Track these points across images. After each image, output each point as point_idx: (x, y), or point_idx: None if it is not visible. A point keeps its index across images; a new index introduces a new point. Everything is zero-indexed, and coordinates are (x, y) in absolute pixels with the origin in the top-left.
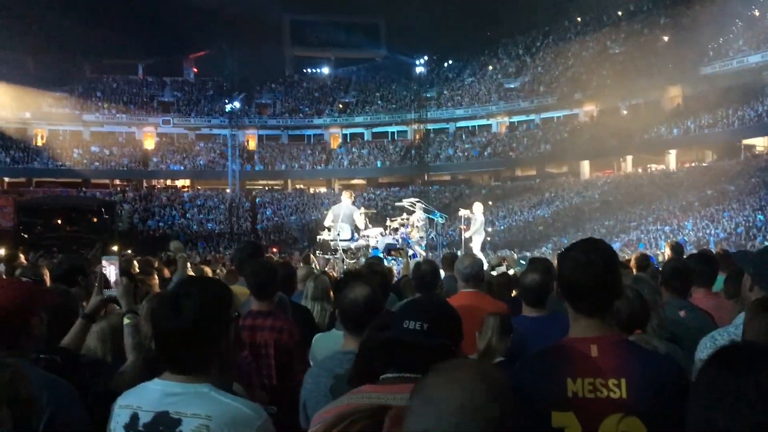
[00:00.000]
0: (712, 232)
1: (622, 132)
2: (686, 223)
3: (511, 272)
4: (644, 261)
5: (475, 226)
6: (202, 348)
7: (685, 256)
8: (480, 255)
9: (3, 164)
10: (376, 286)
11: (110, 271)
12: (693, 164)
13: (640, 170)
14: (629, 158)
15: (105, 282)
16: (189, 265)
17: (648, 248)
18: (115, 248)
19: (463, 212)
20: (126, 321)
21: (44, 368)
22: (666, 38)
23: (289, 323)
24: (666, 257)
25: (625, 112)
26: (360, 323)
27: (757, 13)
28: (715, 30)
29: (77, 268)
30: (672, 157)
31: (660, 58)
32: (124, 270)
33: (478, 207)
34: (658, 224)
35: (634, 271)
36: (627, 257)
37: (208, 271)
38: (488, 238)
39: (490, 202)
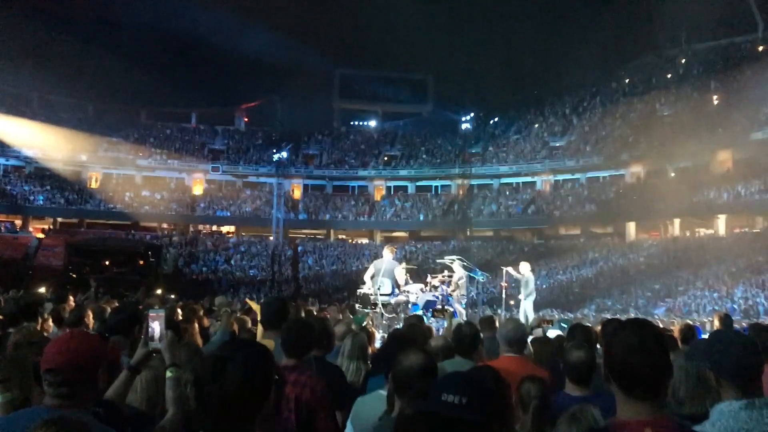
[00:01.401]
0: (762, 300)
1: (670, 194)
2: (735, 290)
3: (550, 333)
4: (689, 332)
5: (528, 286)
6: (245, 411)
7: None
8: (531, 315)
9: (57, 205)
10: (427, 351)
11: (155, 324)
12: (743, 230)
13: (687, 234)
14: (677, 221)
15: (150, 334)
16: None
17: (694, 314)
18: (159, 291)
19: (511, 271)
20: (168, 374)
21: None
22: (716, 102)
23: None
24: (714, 329)
25: (673, 174)
26: (412, 390)
27: None
28: (766, 95)
29: (134, 318)
30: (721, 221)
31: (710, 122)
32: (169, 319)
33: (525, 267)
34: (706, 290)
35: (679, 342)
36: (672, 324)
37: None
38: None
39: (526, 262)
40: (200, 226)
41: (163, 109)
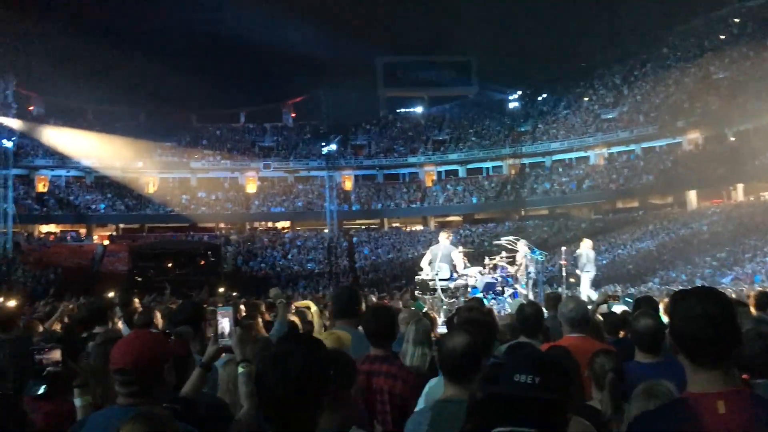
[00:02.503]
0: None
1: (731, 159)
2: None
3: (615, 309)
4: (764, 299)
5: (582, 262)
6: (305, 405)
7: None
8: (589, 292)
9: (118, 211)
10: (477, 333)
11: (225, 321)
12: None
13: (752, 199)
14: (740, 187)
15: (220, 331)
16: (293, 306)
17: (765, 281)
18: (221, 289)
19: (575, 250)
20: (240, 370)
21: None
22: None
23: (405, 371)
24: None
25: (733, 138)
26: (458, 372)
27: None
28: None
29: (198, 313)
30: None
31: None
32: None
33: (585, 243)
34: None
35: (753, 309)
36: (744, 292)
37: (310, 310)
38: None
39: (587, 239)
40: (256, 224)
41: (212, 111)
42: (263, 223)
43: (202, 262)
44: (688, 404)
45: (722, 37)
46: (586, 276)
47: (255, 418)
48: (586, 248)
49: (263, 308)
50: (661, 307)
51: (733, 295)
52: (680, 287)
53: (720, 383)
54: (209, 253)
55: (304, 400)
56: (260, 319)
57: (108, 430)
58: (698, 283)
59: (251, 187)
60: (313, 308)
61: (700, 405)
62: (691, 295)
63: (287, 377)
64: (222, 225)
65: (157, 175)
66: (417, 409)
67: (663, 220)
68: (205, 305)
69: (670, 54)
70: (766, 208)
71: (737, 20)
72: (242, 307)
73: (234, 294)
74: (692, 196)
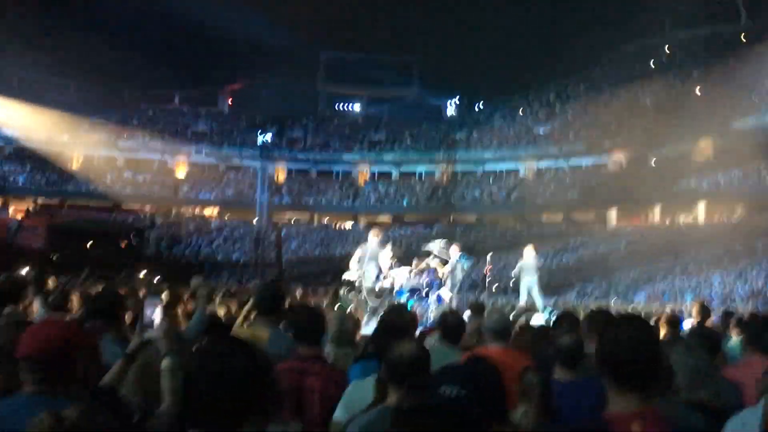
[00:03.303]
0: (740, 288)
1: (651, 182)
2: (713, 277)
3: (534, 320)
4: (675, 321)
5: (526, 269)
6: (237, 409)
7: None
8: (537, 299)
9: (37, 185)
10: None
11: (153, 311)
12: (722, 218)
13: (668, 221)
14: (657, 208)
15: (147, 321)
16: (216, 298)
17: (673, 301)
18: (142, 274)
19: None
20: (165, 362)
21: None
22: (698, 91)
23: (338, 372)
24: (693, 317)
25: (654, 161)
26: (405, 380)
27: None
28: (748, 84)
29: (118, 303)
30: (701, 209)
31: (691, 110)
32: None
33: (528, 251)
34: (685, 277)
35: (663, 331)
36: (655, 311)
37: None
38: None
39: (530, 246)
40: (183, 209)
41: (145, 90)
42: (190, 209)
43: (124, 244)
44: (606, 424)
45: (652, 63)
46: (534, 282)
47: (176, 414)
48: (529, 256)
49: (186, 297)
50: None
51: (642, 312)
52: (596, 301)
53: (637, 404)
54: (132, 235)
55: (235, 402)
56: (181, 308)
57: (12, 421)
58: (613, 298)
59: (181, 172)
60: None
61: (618, 425)
62: (621, 323)
63: (221, 377)
64: (147, 208)
65: (82, 151)
66: (337, 414)
67: (584, 235)
68: (125, 288)
69: (603, 76)
70: (680, 231)
71: (667, 49)
72: (163, 295)
73: (155, 279)
74: (613, 214)
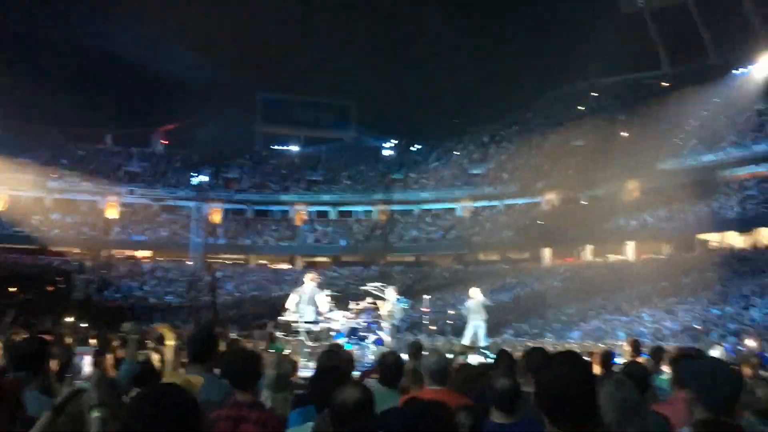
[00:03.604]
0: (669, 324)
1: (582, 221)
2: (643, 314)
3: (471, 360)
4: (608, 358)
5: (479, 310)
6: None
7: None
8: (481, 339)
9: None
10: (364, 386)
11: (83, 361)
12: (650, 256)
13: (599, 260)
14: (589, 247)
15: (77, 371)
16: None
17: (606, 338)
18: (69, 319)
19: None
20: (96, 414)
21: None
22: (625, 134)
23: (276, 418)
24: (626, 354)
25: (585, 202)
26: (347, 425)
27: (709, 115)
28: (671, 128)
29: (42, 352)
30: (630, 248)
31: (619, 153)
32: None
33: (475, 292)
34: (617, 314)
35: (597, 368)
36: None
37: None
38: (449, 322)
39: (476, 288)
40: (114, 251)
41: (75, 129)
42: (122, 251)
43: (51, 288)
44: None
45: (581, 108)
46: (481, 323)
47: None
48: (477, 296)
49: (115, 344)
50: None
51: (578, 350)
52: (532, 339)
53: None
54: (58, 278)
55: None
56: (112, 356)
57: None
58: (548, 336)
59: (112, 213)
60: (169, 342)
61: None
62: (558, 361)
63: (156, 425)
64: (76, 250)
65: (7, 192)
66: None
67: (519, 274)
68: (50, 335)
69: (535, 119)
70: (611, 269)
71: (595, 94)
72: (92, 341)
73: (84, 325)
74: (547, 253)
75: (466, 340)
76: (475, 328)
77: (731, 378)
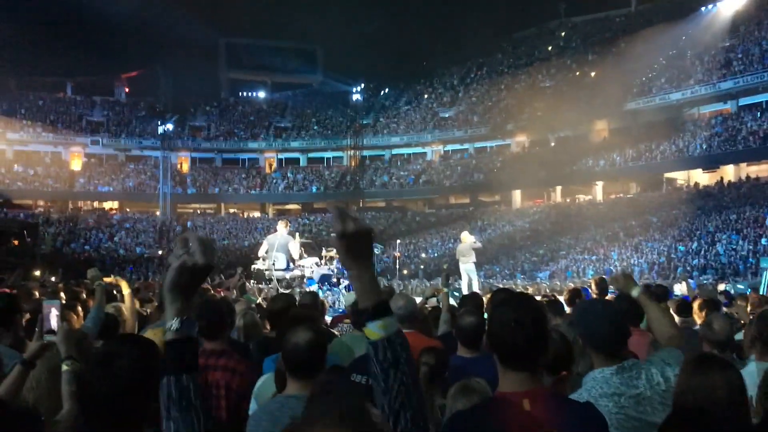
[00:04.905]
0: (637, 261)
1: (552, 163)
2: (612, 252)
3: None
4: (575, 296)
5: (460, 254)
6: (132, 410)
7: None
8: (474, 281)
9: None
10: (319, 326)
11: (51, 315)
12: (618, 196)
13: (568, 200)
14: (558, 189)
15: (46, 326)
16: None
17: (575, 277)
18: (37, 272)
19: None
20: (64, 367)
21: None
22: (593, 74)
23: (244, 365)
24: (592, 292)
25: (554, 144)
26: (302, 368)
27: (677, 53)
28: (640, 67)
29: (12, 307)
30: (599, 188)
31: (587, 93)
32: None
33: (465, 235)
34: (586, 253)
35: (566, 306)
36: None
37: (127, 306)
38: (422, 266)
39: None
40: (80, 203)
41: (34, 78)
42: (88, 202)
43: (16, 242)
44: (498, 403)
45: (550, 48)
46: (471, 266)
47: (76, 419)
48: (468, 240)
49: (84, 294)
50: (485, 300)
51: (548, 290)
52: (503, 281)
53: (526, 383)
54: (24, 232)
55: (131, 404)
56: (80, 308)
57: None
58: (519, 277)
59: (76, 164)
60: (125, 290)
61: (509, 403)
62: (507, 303)
63: (113, 380)
64: (41, 203)
65: None
66: (250, 408)
67: (490, 217)
68: (16, 290)
69: (504, 60)
70: (580, 210)
71: (563, 34)
72: (62, 294)
73: (53, 279)
74: (517, 195)
75: (464, 283)
76: (467, 271)
77: (610, 317)
